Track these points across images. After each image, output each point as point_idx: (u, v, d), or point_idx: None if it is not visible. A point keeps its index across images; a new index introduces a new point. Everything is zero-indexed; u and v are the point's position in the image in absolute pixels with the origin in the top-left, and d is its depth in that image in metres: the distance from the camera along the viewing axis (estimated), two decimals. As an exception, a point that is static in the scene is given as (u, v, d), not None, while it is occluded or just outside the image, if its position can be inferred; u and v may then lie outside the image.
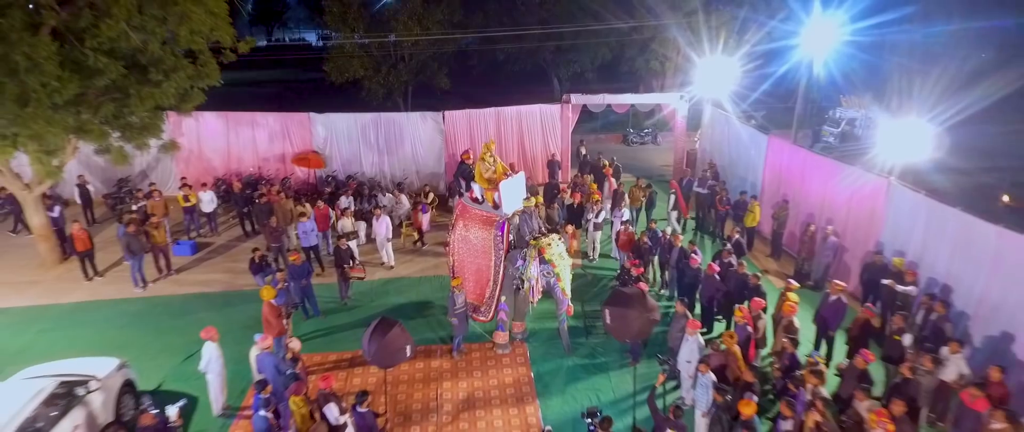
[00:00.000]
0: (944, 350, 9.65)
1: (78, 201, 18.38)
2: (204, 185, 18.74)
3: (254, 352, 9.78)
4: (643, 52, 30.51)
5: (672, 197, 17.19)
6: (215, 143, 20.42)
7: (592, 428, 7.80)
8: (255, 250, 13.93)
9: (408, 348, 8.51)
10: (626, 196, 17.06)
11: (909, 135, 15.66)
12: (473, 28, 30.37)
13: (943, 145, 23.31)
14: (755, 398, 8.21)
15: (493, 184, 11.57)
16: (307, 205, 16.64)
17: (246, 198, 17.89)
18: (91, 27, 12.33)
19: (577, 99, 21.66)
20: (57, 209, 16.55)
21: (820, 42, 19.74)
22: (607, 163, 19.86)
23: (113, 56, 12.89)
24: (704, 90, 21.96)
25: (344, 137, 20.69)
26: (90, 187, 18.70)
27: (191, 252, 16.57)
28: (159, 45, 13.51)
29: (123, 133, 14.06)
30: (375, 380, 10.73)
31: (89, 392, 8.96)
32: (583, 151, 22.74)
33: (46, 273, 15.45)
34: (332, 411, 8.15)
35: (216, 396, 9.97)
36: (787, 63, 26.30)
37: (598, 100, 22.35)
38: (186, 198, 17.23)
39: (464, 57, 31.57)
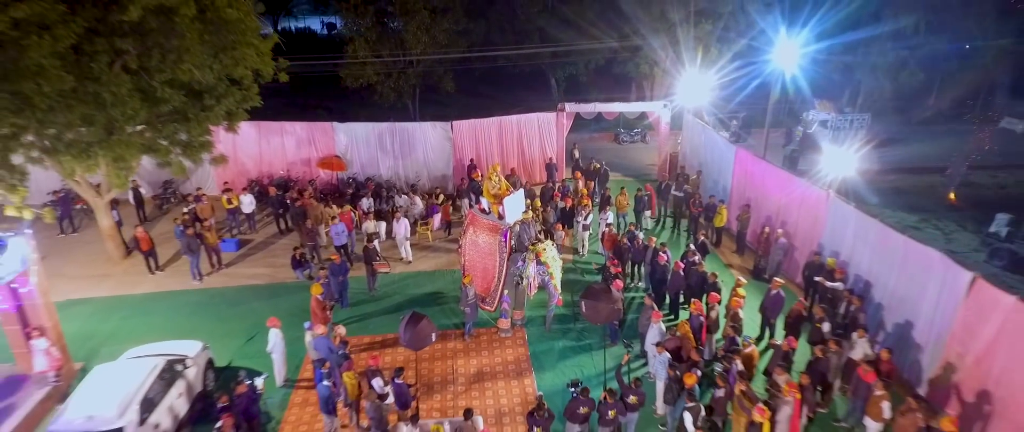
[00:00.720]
0: (854, 335, 12.13)
1: (131, 202, 20.80)
2: (244, 189, 21.08)
3: (309, 337, 12.27)
4: (634, 56, 32.66)
5: (645, 197, 19.56)
6: (249, 149, 22.73)
7: (574, 394, 10.27)
8: (296, 248, 16.47)
9: (433, 335, 10.97)
10: (612, 201, 19.42)
11: (844, 155, 18.07)
12: (477, 35, 32.43)
13: (880, 159, 25.88)
14: (698, 373, 10.71)
15: (498, 199, 13.96)
16: (336, 208, 19.04)
17: (280, 200, 20.30)
18: (159, 64, 14.60)
19: (571, 108, 23.98)
20: (115, 212, 18.96)
21: (788, 57, 22.07)
22: (598, 165, 22.32)
23: (174, 86, 15.22)
24: (685, 99, 24.24)
25: (363, 143, 23.03)
26: (141, 189, 21.15)
27: (235, 248, 19.01)
28: (213, 77, 15.78)
29: (182, 150, 16.40)
30: (403, 357, 13.23)
31: (186, 368, 11.46)
32: (577, 154, 25.08)
33: (114, 267, 17.92)
34: (377, 382, 10.63)
35: (279, 370, 12.48)
36: (760, 77, 28.61)
37: (590, 108, 24.76)
38: (230, 201, 19.67)
39: (468, 61, 33.72)
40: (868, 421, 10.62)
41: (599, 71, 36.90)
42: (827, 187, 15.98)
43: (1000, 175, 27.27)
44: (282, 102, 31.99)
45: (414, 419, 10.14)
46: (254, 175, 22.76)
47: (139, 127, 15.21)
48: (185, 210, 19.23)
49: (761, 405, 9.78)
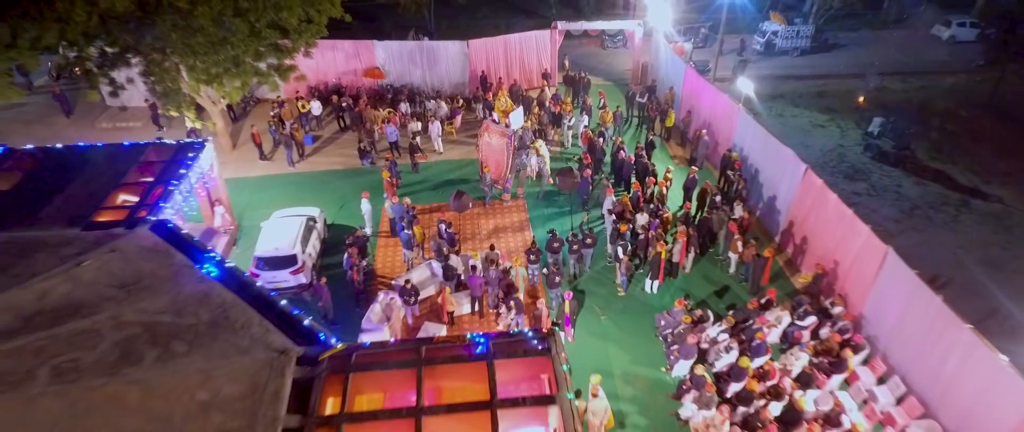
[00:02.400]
0: (736, 205, 18.55)
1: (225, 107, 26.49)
2: (312, 97, 26.69)
3: (388, 204, 18.68)
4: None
5: (621, 115, 25.28)
6: (308, 62, 27.93)
7: (550, 236, 16.79)
8: (359, 142, 22.57)
9: (470, 204, 17.33)
10: (594, 112, 24.94)
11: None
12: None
13: (813, 66, 31.05)
14: (629, 224, 17.23)
15: (505, 113, 19.87)
16: (387, 110, 24.84)
17: (339, 105, 26.03)
18: (263, 12, 19.81)
19: (562, 25, 29.03)
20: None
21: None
22: (578, 74, 27.84)
23: (272, 27, 20.53)
24: (653, 19, 29.21)
25: (396, 58, 28.32)
26: (229, 96, 26.78)
27: (310, 142, 25.02)
28: (296, 19, 21.00)
29: (277, 72, 21.93)
30: (450, 216, 19.68)
31: (315, 223, 17.96)
32: (566, 64, 30.36)
33: (227, 157, 24.01)
34: (442, 226, 17.15)
35: (368, 224, 19.00)
36: None
37: (578, 26, 29.81)
38: (303, 106, 25.44)
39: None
40: (730, 254, 17.31)
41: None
42: (739, 101, 21.76)
43: (911, 80, 32.62)
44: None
45: (458, 252, 16.78)
46: (313, 83, 28.25)
47: (249, 58, 20.73)
48: (272, 113, 25.05)
49: (661, 242, 16.39)
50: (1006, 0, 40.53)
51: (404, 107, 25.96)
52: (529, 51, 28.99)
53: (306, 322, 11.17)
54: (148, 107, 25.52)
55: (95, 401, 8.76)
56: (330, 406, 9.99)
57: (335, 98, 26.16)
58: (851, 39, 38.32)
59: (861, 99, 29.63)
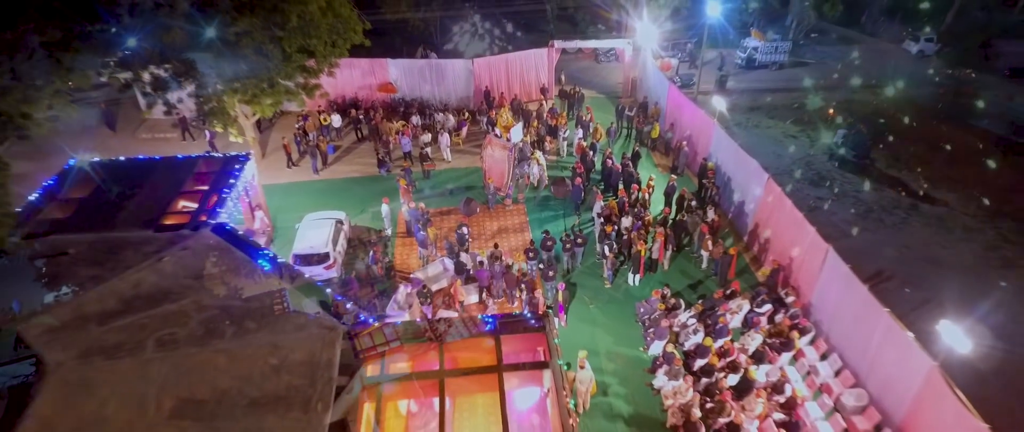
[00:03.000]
0: (709, 209, 20.95)
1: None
2: (332, 110, 29.11)
3: (404, 208, 21.09)
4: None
5: (614, 129, 27.65)
6: (327, 78, 30.39)
7: (543, 236, 19.19)
8: (377, 152, 24.96)
9: (478, 208, 19.71)
10: (590, 128, 27.30)
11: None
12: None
13: (788, 79, 33.48)
14: (615, 226, 19.63)
15: (506, 129, 22.26)
16: (401, 123, 27.26)
17: (356, 118, 28.44)
18: (293, 37, 22.21)
19: (558, 44, 31.45)
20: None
21: (714, 7, 29.39)
22: (573, 89, 30.23)
23: (301, 50, 22.93)
24: (641, 38, 31.61)
25: (407, 74, 30.72)
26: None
27: (332, 152, 27.42)
28: (324, 45, 23.41)
29: (303, 90, 24.31)
30: (458, 218, 22.09)
31: (342, 225, 20.36)
32: (563, 79, 32.78)
33: (258, 165, 26.35)
34: (462, 231, 19.55)
35: (387, 226, 21.40)
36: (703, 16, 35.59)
37: (573, 45, 32.26)
38: (324, 119, 27.85)
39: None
40: (702, 251, 19.72)
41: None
42: (714, 116, 24.14)
43: (879, 93, 35.02)
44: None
45: (467, 250, 19.20)
46: (332, 97, 30.60)
47: (282, 79, 23.13)
48: (297, 126, 27.46)
49: (642, 242, 18.80)
50: (974, 16, 43.14)
51: (415, 119, 28.37)
52: (528, 67, 31.39)
53: (349, 305, 13.63)
54: (177, 120, 27.92)
55: (193, 365, 11.22)
56: (370, 370, 12.49)
57: (353, 111, 28.58)
58: (827, 53, 40.76)
59: (831, 111, 31.98)
